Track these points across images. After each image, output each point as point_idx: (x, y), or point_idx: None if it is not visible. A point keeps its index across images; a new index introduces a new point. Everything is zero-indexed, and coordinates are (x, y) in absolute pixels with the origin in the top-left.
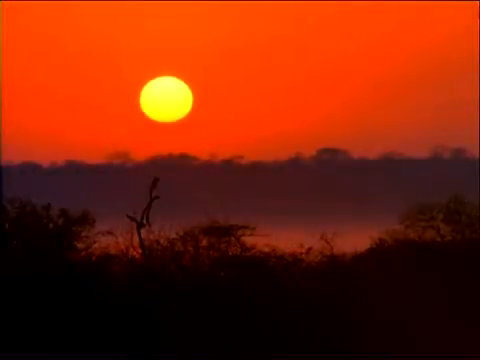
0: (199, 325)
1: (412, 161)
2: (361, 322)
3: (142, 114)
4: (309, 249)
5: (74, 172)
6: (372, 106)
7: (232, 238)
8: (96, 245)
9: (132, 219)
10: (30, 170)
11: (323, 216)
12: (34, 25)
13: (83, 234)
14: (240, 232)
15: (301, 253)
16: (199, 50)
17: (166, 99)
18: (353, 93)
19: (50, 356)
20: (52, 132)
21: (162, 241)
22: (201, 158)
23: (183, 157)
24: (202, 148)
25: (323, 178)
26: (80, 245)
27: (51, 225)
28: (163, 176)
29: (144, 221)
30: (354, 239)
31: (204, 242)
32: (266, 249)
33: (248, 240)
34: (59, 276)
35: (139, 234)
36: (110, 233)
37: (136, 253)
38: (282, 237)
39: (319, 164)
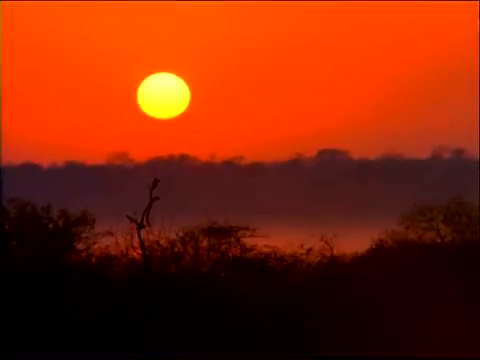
0: (199, 325)
1: (412, 161)
2: (361, 323)
3: (140, 111)
4: (309, 250)
5: (74, 173)
6: (372, 107)
7: (232, 239)
8: (96, 246)
9: (132, 220)
10: (30, 171)
11: (323, 217)
12: (32, 25)
13: (83, 235)
14: (240, 233)
15: (301, 254)
16: (198, 48)
17: (164, 96)
18: (353, 94)
19: (50, 356)
20: (52, 133)
21: (162, 242)
22: (201, 159)
23: (183, 158)
24: (202, 148)
25: (323, 179)
26: (80, 246)
27: (51, 226)
28: (163, 177)
29: (144, 222)
30: (354, 240)
31: (204, 243)
32: (266, 250)
33: (248, 241)
34: (59, 277)
35: (139, 235)
36: (110, 234)
37: (136, 254)
38: (282, 238)
39: (319, 165)
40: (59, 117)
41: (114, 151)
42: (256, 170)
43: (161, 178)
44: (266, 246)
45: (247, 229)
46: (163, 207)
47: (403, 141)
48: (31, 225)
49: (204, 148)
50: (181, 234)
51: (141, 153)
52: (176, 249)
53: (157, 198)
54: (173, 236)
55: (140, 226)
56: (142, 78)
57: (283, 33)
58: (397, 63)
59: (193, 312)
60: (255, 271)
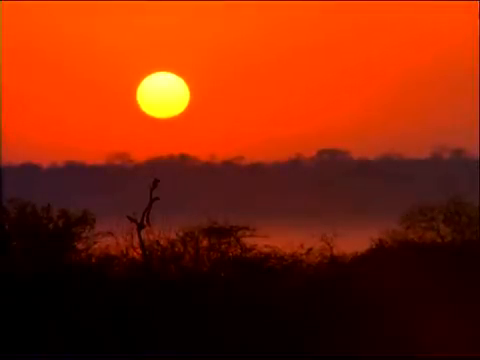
0: (199, 325)
1: (412, 161)
2: (361, 323)
3: (139, 111)
4: (309, 250)
5: (74, 173)
6: (372, 107)
7: (232, 239)
8: (96, 246)
9: (132, 220)
10: (30, 171)
11: (323, 217)
12: (32, 25)
13: (83, 235)
14: (240, 233)
15: (301, 254)
16: (197, 47)
17: (163, 95)
18: (353, 94)
19: (50, 356)
20: (52, 133)
21: (162, 242)
22: (201, 159)
23: (183, 158)
24: (202, 148)
25: (323, 179)
26: (80, 246)
27: (51, 226)
28: (163, 177)
29: (144, 222)
30: (354, 240)
31: (204, 243)
32: (266, 250)
33: (248, 241)
34: (59, 277)
35: (139, 235)
36: (110, 234)
37: (136, 254)
38: (282, 238)
39: (319, 165)
40: (59, 117)
41: (114, 151)
42: (256, 170)
43: (161, 178)
44: (266, 246)
45: (247, 229)
46: (163, 207)
47: (403, 141)
48: (31, 225)
49: (204, 148)
50: (181, 234)
51: (141, 153)
52: (176, 249)
53: (157, 198)
54: (173, 236)
55: (140, 226)
56: (141, 77)
57: (283, 33)
58: (397, 63)
59: (193, 312)
60: (255, 271)
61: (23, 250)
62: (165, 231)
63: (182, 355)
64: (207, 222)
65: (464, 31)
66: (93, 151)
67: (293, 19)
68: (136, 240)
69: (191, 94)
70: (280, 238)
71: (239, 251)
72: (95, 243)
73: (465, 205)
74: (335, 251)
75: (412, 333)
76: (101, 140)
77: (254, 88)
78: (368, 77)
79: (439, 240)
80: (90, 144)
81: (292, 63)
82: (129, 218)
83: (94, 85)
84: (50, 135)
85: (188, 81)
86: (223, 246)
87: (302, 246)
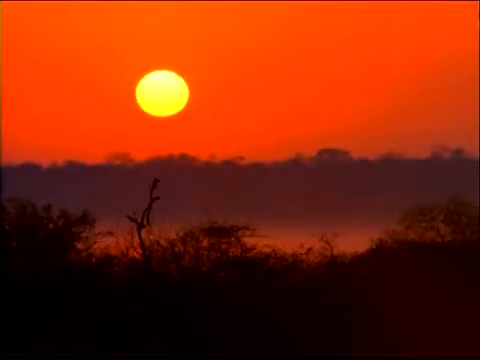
0: (199, 326)
1: (412, 161)
2: (361, 323)
3: (139, 109)
4: (309, 250)
5: (74, 173)
6: (372, 107)
7: (232, 239)
8: (96, 246)
9: (132, 220)
10: (30, 171)
11: (323, 217)
12: (32, 25)
13: (83, 235)
14: (240, 233)
15: (301, 254)
16: (197, 46)
17: (162, 94)
18: (354, 94)
19: (50, 356)
20: (52, 133)
21: (162, 242)
22: (201, 159)
23: (183, 157)
24: (202, 148)
25: (323, 179)
26: (80, 246)
27: (51, 226)
28: (163, 176)
29: (144, 222)
30: (354, 240)
31: (204, 243)
32: (266, 250)
33: (248, 241)
34: (59, 277)
35: (139, 235)
36: (110, 234)
37: (136, 254)
38: (282, 238)
39: (319, 165)
40: (59, 117)
41: (114, 151)
42: (256, 170)
43: (161, 178)
44: (266, 246)
45: (247, 229)
46: (163, 207)
47: (403, 141)
48: (31, 225)
49: (204, 148)
50: (181, 234)
51: (141, 153)
52: (176, 249)
53: (157, 198)
54: (173, 236)
55: (140, 226)
56: (141, 76)
57: (284, 33)
58: (397, 64)
59: (193, 312)
60: (255, 271)
61: (23, 250)
62: (165, 231)
63: (182, 355)
64: (207, 222)
65: (464, 31)
66: (93, 151)
67: (294, 20)
68: (136, 240)
69: (190, 93)
70: (280, 238)
71: (239, 251)
72: (95, 243)
73: (465, 205)
74: (335, 251)
75: (412, 333)
76: (101, 140)
77: (254, 88)
78: (368, 77)
79: (439, 240)
80: (90, 144)
81: (292, 63)
82: (129, 218)
83: (93, 84)
84: (50, 135)
85: (187, 80)
86: (223, 246)
87: (302, 246)
